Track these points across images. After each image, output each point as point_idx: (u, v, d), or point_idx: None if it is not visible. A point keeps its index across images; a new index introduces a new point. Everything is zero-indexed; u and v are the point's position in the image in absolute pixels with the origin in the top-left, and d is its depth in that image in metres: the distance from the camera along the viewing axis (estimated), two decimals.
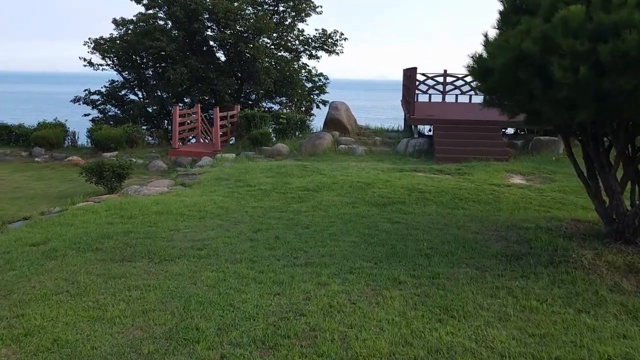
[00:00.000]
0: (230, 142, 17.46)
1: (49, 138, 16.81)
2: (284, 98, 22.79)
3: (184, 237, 6.02)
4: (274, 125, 16.47)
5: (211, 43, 21.16)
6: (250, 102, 22.53)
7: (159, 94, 22.01)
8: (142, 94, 22.91)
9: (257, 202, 7.92)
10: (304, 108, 22.39)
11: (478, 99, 20.61)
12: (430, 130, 15.31)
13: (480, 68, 5.29)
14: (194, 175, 10.71)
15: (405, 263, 5.03)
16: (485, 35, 5.55)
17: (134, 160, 15.74)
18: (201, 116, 17.92)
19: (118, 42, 20.61)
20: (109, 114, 23.24)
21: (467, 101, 20.26)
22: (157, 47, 18.61)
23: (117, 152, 16.26)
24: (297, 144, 14.78)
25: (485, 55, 5.36)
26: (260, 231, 6.25)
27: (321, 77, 23.16)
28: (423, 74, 18.91)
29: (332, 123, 15.29)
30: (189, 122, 17.67)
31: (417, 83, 16.74)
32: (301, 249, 5.53)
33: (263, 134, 15.25)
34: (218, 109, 16.05)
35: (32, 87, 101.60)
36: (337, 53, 22.68)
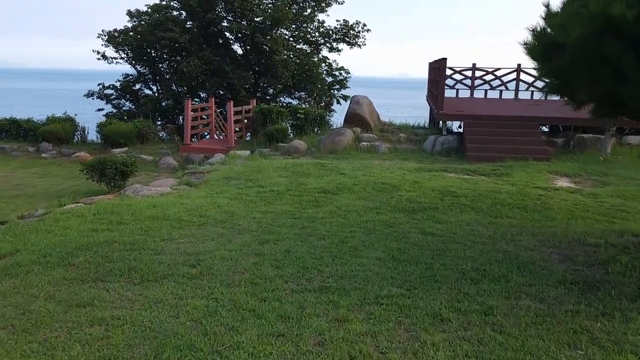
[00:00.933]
0: (247, 139, 16.53)
1: (57, 133, 16.11)
2: (303, 93, 21.72)
3: (177, 249, 5.05)
4: (291, 121, 15.46)
5: (227, 35, 20.23)
6: (268, 97, 21.56)
7: (174, 88, 21.22)
8: (157, 88, 22.16)
9: (267, 206, 6.92)
10: (323, 103, 21.30)
11: (509, 94, 19.32)
12: (460, 127, 14.12)
13: (543, 45, 4.16)
14: (202, 173, 9.78)
15: (446, 290, 3.97)
16: (547, 5, 4.44)
17: (144, 156, 14.99)
18: (215, 111, 17.02)
19: (131, 34, 19.82)
20: (123, 108, 22.55)
21: (497, 97, 19.00)
22: (169, 39, 17.71)
23: (126, 148, 15.49)
24: (315, 140, 13.75)
25: (549, 30, 4.25)
26: (267, 243, 5.25)
27: (342, 71, 22.01)
28: (450, 68, 17.70)
29: (353, 119, 14.21)
30: (204, 116, 16.80)
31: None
32: (315, 267, 4.51)
33: (279, 130, 14.25)
34: (232, 103, 15.11)
35: (40, 84, 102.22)
36: (360, 45, 21.48)
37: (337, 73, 22.10)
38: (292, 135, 15.05)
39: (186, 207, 6.76)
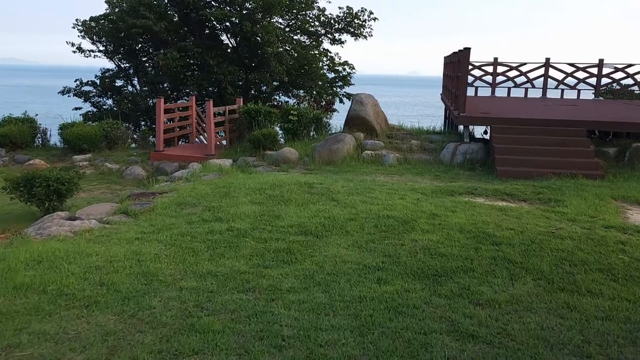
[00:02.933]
0: (237, 144, 14.17)
1: (11, 136, 13.85)
2: (301, 91, 19.29)
3: None
4: (282, 124, 13.06)
5: (215, 24, 17.83)
6: (263, 96, 19.18)
7: (160, 85, 18.89)
8: (139, 85, 19.86)
9: (212, 261, 4.57)
10: (324, 102, 18.87)
11: (536, 92, 16.82)
12: (485, 133, 11.69)
13: None
14: (152, 195, 7.44)
15: None
16: None
17: (109, 165, 12.72)
18: (197, 112, 14.69)
19: (102, 21, 17.46)
20: (104, 107, 20.27)
21: (521, 96, 16.58)
22: (142, 27, 15.33)
23: (90, 155, 13.25)
24: (309, 148, 11.37)
25: None
26: (177, 359, 2.90)
27: (345, 66, 19.52)
28: (470, 63, 15.22)
29: (355, 121, 11.79)
30: (187, 117, 14.47)
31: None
32: None
33: (267, 134, 11.86)
34: (211, 102, 12.76)
35: (52, 82, 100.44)
36: (365, 36, 18.96)
37: (339, 68, 19.62)
38: (283, 140, 12.69)
39: (89, 263, 4.43)
